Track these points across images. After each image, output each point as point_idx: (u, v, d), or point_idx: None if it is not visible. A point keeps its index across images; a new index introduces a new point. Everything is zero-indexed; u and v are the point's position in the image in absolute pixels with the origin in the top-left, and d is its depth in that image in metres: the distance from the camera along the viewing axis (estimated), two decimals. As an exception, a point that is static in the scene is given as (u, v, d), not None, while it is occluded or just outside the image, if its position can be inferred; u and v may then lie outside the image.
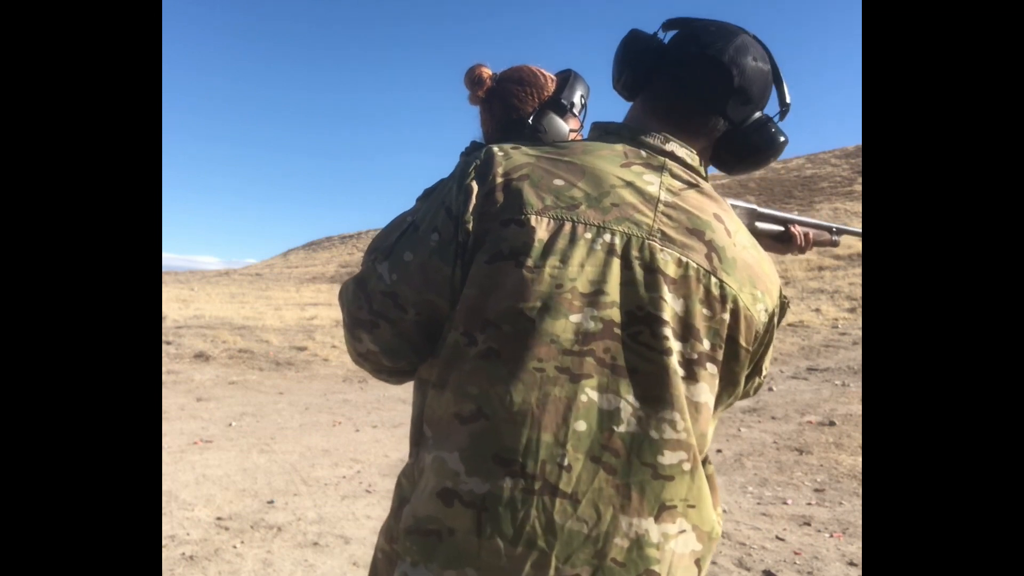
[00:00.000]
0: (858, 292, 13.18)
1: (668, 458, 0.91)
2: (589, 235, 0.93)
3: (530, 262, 0.92)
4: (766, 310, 1.00)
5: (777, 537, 3.84)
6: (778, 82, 1.08)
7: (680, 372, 0.92)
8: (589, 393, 0.90)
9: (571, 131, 1.34)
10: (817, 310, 12.61)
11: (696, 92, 1.03)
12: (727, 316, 0.95)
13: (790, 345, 10.31)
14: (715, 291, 0.95)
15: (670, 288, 0.93)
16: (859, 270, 14.36)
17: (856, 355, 9.35)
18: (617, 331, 0.92)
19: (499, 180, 0.96)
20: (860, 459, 5.15)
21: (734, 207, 1.49)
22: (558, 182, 0.96)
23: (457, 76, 1.39)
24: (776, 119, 1.08)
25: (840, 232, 1.77)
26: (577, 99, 1.34)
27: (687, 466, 0.93)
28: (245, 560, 3.42)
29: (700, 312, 0.94)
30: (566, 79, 1.35)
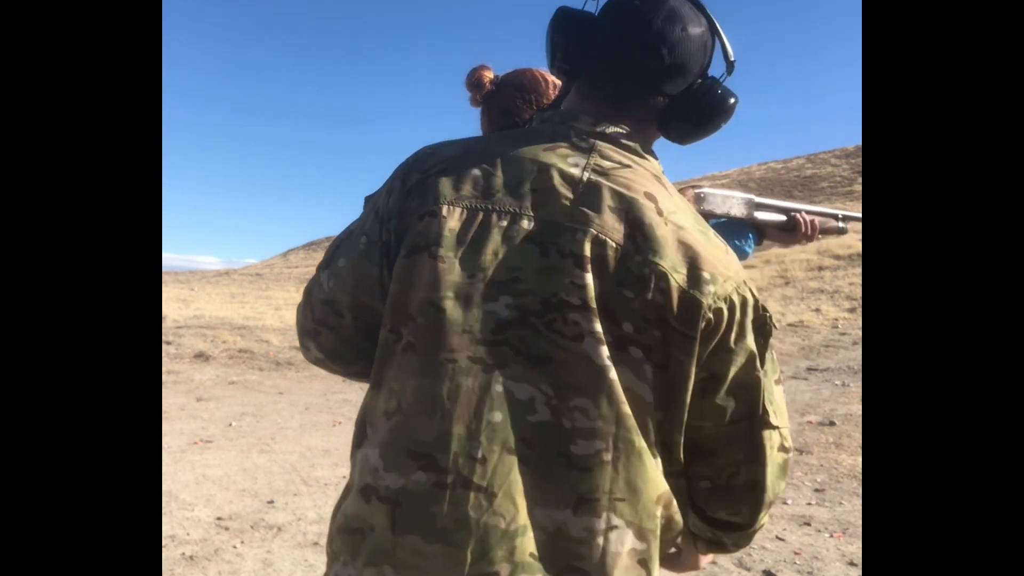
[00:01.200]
0: (858, 292, 13.17)
1: (581, 448, 0.87)
2: (504, 223, 0.91)
3: (442, 252, 0.91)
4: (716, 295, 0.90)
5: (777, 537, 3.84)
6: (718, 39, 1.00)
7: (598, 359, 0.88)
8: (504, 383, 0.88)
9: None
10: (817, 310, 12.60)
11: (627, 76, 0.98)
12: (653, 296, 0.88)
13: (790, 345, 10.31)
14: (638, 271, 0.89)
15: (587, 270, 0.89)
16: (859, 270, 14.35)
17: (856, 355, 9.34)
18: (532, 319, 0.89)
19: (418, 176, 0.96)
20: (860, 459, 5.15)
21: (732, 198, 1.47)
22: (476, 172, 0.94)
23: (462, 72, 1.36)
24: (723, 79, 1.01)
25: (847, 219, 1.72)
26: None
27: (607, 456, 0.87)
28: (245, 560, 3.42)
29: (620, 293, 0.89)
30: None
